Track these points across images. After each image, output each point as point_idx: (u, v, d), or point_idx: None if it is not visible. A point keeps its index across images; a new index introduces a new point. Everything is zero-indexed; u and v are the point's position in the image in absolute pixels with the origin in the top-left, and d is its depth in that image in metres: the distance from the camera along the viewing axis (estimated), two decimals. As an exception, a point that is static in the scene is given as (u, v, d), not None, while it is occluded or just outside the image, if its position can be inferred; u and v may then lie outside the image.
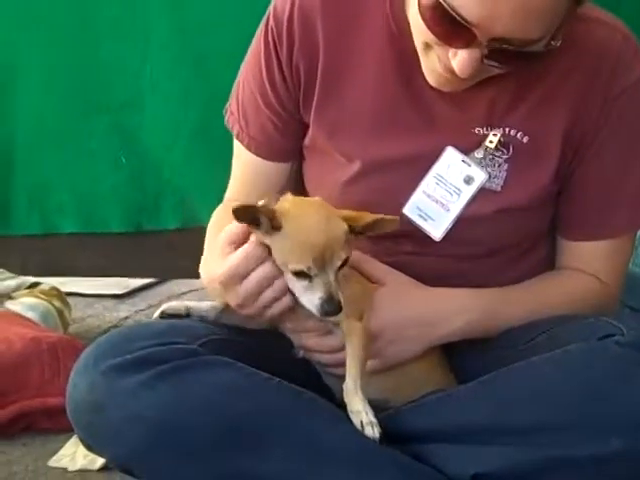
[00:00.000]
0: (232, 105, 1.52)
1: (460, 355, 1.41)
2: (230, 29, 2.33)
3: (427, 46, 1.27)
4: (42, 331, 2.08)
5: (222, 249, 1.27)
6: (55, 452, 1.75)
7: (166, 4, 2.39)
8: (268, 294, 1.24)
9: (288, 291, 1.25)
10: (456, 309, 1.37)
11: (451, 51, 1.22)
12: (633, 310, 1.88)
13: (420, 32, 1.26)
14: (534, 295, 1.42)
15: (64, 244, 2.55)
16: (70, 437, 1.75)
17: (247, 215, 1.21)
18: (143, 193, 2.50)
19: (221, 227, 1.36)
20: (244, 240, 1.25)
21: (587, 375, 1.19)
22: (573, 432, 1.18)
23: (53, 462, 1.73)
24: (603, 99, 1.36)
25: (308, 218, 1.23)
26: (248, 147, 1.50)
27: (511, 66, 1.25)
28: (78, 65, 2.43)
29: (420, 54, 1.31)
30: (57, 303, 2.33)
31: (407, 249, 1.43)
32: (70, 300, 2.52)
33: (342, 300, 1.21)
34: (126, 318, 2.84)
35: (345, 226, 1.24)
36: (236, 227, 1.26)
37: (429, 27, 1.23)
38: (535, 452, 1.19)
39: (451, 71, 1.24)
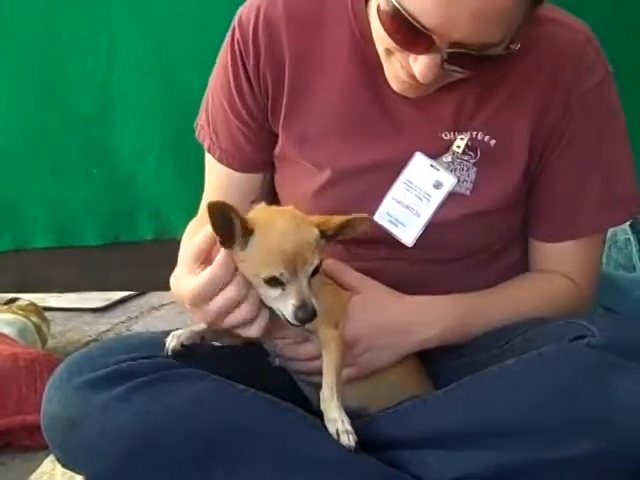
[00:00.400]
0: (202, 119, 1.52)
1: (436, 360, 1.41)
2: (196, 38, 2.33)
3: (388, 52, 1.28)
4: (19, 347, 2.06)
5: (189, 265, 1.25)
6: (34, 470, 1.73)
7: (131, 16, 2.38)
8: (236, 315, 1.22)
9: (262, 305, 1.24)
10: (430, 317, 1.37)
11: (411, 57, 1.23)
12: (607, 309, 1.89)
13: (380, 39, 1.27)
14: (508, 299, 1.42)
15: (37, 259, 2.52)
16: (49, 454, 1.73)
17: (222, 212, 1.19)
18: (117, 205, 2.49)
19: (185, 247, 1.37)
20: (209, 256, 1.24)
21: (558, 377, 1.20)
22: (546, 434, 1.18)
23: (32, 480, 1.72)
24: (566, 101, 1.37)
25: (278, 225, 1.23)
26: (220, 160, 1.50)
27: (472, 70, 1.26)
28: (45, 79, 2.43)
29: (383, 60, 1.31)
30: (35, 319, 2.32)
31: (380, 255, 1.43)
32: (49, 315, 2.51)
33: (316, 306, 1.21)
34: (107, 331, 2.83)
35: (316, 231, 1.24)
36: (203, 242, 1.24)
37: (388, 34, 1.23)
38: (510, 455, 1.19)
39: (413, 76, 1.25)
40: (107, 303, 3.05)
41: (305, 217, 1.27)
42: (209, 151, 1.51)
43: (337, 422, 1.22)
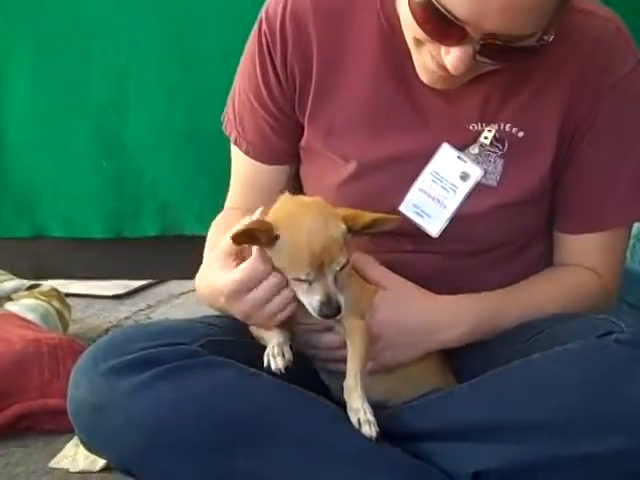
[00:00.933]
0: (229, 112, 1.52)
1: (460, 354, 1.40)
2: (219, 29, 2.31)
3: (418, 42, 1.27)
4: (42, 332, 2.07)
5: (223, 260, 1.27)
6: (56, 453, 1.75)
7: (154, 3, 2.35)
8: (275, 304, 1.25)
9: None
10: (453, 318, 1.36)
11: (443, 48, 1.22)
12: (631, 307, 1.87)
13: (410, 28, 1.26)
14: (532, 296, 1.41)
15: (53, 248, 2.53)
16: (71, 438, 1.74)
17: (245, 239, 1.22)
18: (123, 198, 2.46)
19: (214, 240, 1.40)
20: (243, 250, 1.26)
21: (586, 372, 1.19)
22: (572, 429, 1.18)
23: (54, 463, 1.73)
24: (596, 91, 1.36)
25: (303, 226, 1.22)
26: (246, 152, 1.50)
27: (504, 62, 1.25)
28: (62, 65, 2.40)
29: (412, 51, 1.31)
30: (56, 304, 2.33)
31: (406, 247, 1.43)
32: (70, 301, 2.51)
33: (342, 302, 1.22)
34: (126, 318, 2.84)
35: (343, 227, 1.24)
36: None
37: (420, 25, 1.23)
38: (535, 449, 1.19)
39: (444, 68, 1.24)
40: (127, 290, 3.06)
41: (332, 211, 1.26)
42: (235, 143, 1.51)
43: (359, 412, 1.23)
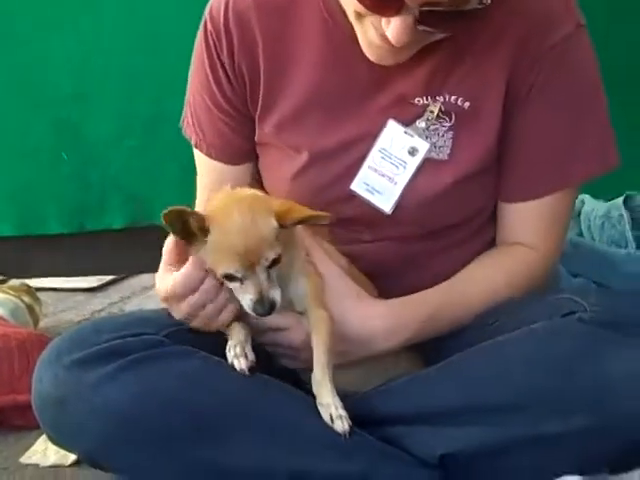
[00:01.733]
0: (187, 115, 1.51)
1: (430, 339, 1.40)
2: (185, 18, 2.17)
3: (359, 16, 1.26)
4: (10, 327, 2.06)
5: (163, 268, 1.27)
6: (27, 449, 1.74)
7: None
8: (209, 309, 1.24)
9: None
10: (391, 330, 1.34)
11: (384, 20, 1.21)
12: (598, 285, 1.89)
13: (351, 4, 1.26)
14: (476, 286, 1.40)
15: (11, 245, 2.44)
16: (41, 433, 1.73)
17: (178, 217, 1.20)
18: (86, 191, 2.40)
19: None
20: (182, 260, 1.25)
21: (550, 353, 1.20)
22: (538, 410, 1.18)
23: (25, 459, 1.72)
24: (535, 54, 1.35)
25: (230, 222, 1.21)
26: (208, 154, 1.49)
27: (447, 28, 1.24)
28: (21, 53, 2.33)
29: (356, 29, 1.30)
30: (27, 299, 2.31)
31: (365, 237, 1.42)
32: (42, 295, 2.50)
33: (277, 298, 1.20)
34: (100, 311, 2.83)
35: (273, 223, 1.21)
36: (171, 244, 1.27)
37: None
38: (501, 431, 1.19)
39: (387, 41, 1.23)
40: (100, 283, 3.05)
41: (265, 205, 1.23)
42: (196, 147, 1.50)
43: (330, 407, 1.22)
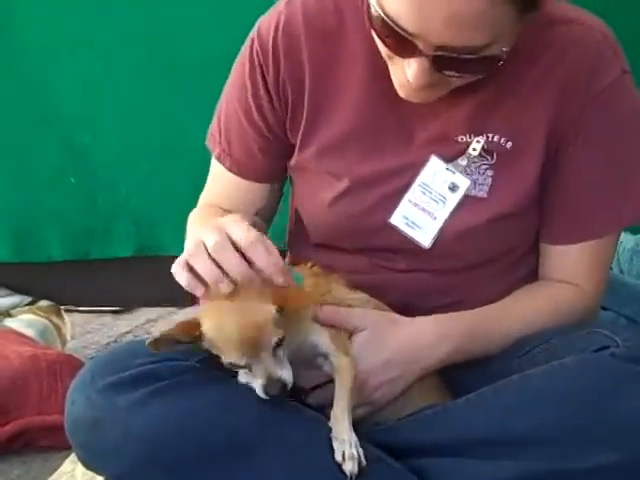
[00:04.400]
0: (214, 127, 1.52)
1: (456, 370, 1.40)
2: (202, 42, 2.24)
3: (389, 58, 1.29)
4: (40, 348, 2.08)
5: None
6: (55, 470, 1.75)
7: (133, 14, 2.26)
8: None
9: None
10: (434, 341, 1.35)
11: (405, 62, 1.24)
12: (629, 320, 1.88)
13: (379, 45, 1.28)
14: (515, 311, 1.41)
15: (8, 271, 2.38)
16: (69, 454, 1.74)
17: (167, 345, 1.20)
18: (93, 217, 2.35)
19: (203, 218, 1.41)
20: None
21: (582, 387, 1.19)
22: (569, 445, 1.17)
23: (52, 480, 1.73)
24: (582, 99, 1.36)
25: (223, 318, 1.18)
26: (230, 168, 1.50)
27: (466, 73, 1.25)
28: (28, 74, 2.29)
29: (389, 66, 1.32)
30: (55, 320, 2.34)
31: (399, 266, 1.43)
32: (69, 316, 2.52)
33: (288, 377, 1.18)
34: (126, 333, 2.83)
35: (270, 310, 1.18)
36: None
37: (380, 39, 1.25)
38: (530, 464, 1.19)
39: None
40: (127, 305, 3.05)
41: (261, 293, 1.18)
42: (219, 159, 1.52)
43: (345, 444, 1.20)
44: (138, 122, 2.32)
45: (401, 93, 1.32)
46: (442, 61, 1.21)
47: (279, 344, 1.19)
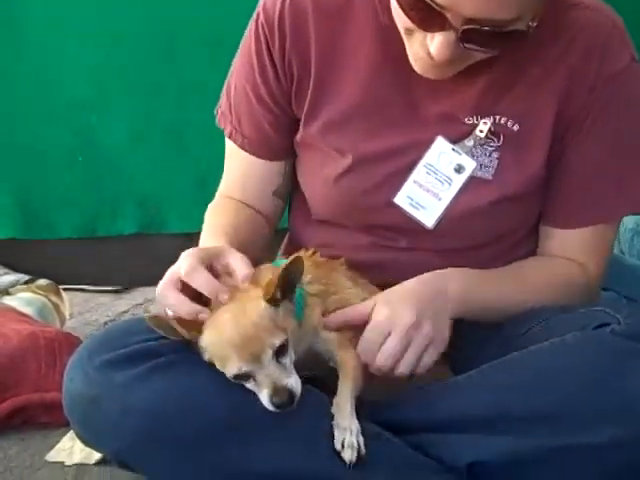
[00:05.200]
0: (223, 105, 1.51)
1: (457, 348, 1.40)
2: (205, 23, 2.23)
3: (408, 31, 1.27)
4: (39, 326, 2.07)
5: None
6: (53, 447, 1.75)
7: None
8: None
9: None
10: (446, 281, 1.33)
11: (428, 35, 1.22)
12: (630, 300, 1.87)
13: (399, 18, 1.27)
14: (516, 275, 1.41)
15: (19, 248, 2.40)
16: (67, 431, 1.74)
17: (163, 328, 1.19)
18: (99, 195, 2.36)
19: (216, 223, 1.40)
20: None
21: (583, 364, 1.20)
22: (569, 421, 1.18)
23: (50, 457, 1.72)
24: (591, 85, 1.36)
25: (219, 324, 1.16)
26: (242, 146, 1.49)
27: (491, 48, 1.25)
28: (35, 57, 2.29)
29: (405, 41, 1.31)
30: (54, 298, 2.32)
31: (401, 244, 1.43)
32: (68, 295, 2.51)
33: (296, 386, 1.15)
34: (124, 312, 2.82)
35: (262, 306, 1.16)
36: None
37: (405, 12, 1.23)
38: (531, 441, 1.19)
39: (432, 56, 1.24)
40: (126, 285, 3.05)
41: (251, 295, 1.17)
42: (230, 137, 1.50)
43: (346, 432, 1.19)
44: (144, 102, 2.33)
45: (417, 68, 1.31)
46: (469, 35, 1.20)
47: (282, 350, 1.15)
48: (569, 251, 1.44)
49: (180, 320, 1.18)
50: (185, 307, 1.18)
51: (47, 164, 2.36)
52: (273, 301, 1.17)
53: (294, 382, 1.15)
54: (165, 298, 1.20)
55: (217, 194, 1.56)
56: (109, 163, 2.35)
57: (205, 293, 1.18)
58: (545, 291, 1.39)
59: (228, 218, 1.45)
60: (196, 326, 1.18)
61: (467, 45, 1.22)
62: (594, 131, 1.37)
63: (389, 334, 1.25)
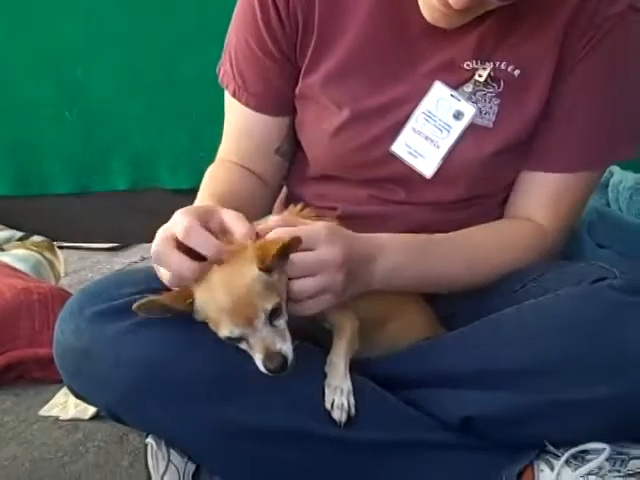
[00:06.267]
0: (225, 63, 1.48)
1: (450, 305, 1.39)
2: None
3: None
4: (33, 282, 2.07)
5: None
6: (46, 402, 1.76)
7: None
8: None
9: None
10: (377, 251, 1.26)
11: None
12: (621, 255, 1.86)
13: None
14: (465, 240, 1.36)
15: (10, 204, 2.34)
16: (62, 387, 1.75)
17: (156, 310, 1.15)
18: (90, 151, 2.29)
19: (215, 186, 1.37)
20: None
21: (579, 318, 1.18)
22: (564, 376, 1.17)
23: (44, 411, 1.73)
24: (584, 27, 1.33)
25: (210, 285, 1.12)
26: (247, 103, 1.46)
27: None
28: (23, 7, 2.22)
29: None
30: (48, 255, 2.32)
31: (399, 197, 1.41)
32: (64, 253, 2.50)
33: (289, 352, 1.11)
34: (120, 270, 2.83)
35: (255, 272, 1.11)
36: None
37: None
38: (526, 397, 1.18)
39: (447, 4, 1.21)
40: (122, 243, 3.05)
41: (242, 257, 1.12)
42: (234, 95, 1.47)
43: (337, 391, 1.18)
44: (133, 55, 2.25)
45: (428, 15, 1.29)
46: None
47: (276, 313, 1.12)
48: (536, 202, 1.40)
49: (169, 296, 1.14)
50: (186, 265, 1.12)
51: (34, 119, 2.30)
52: (266, 270, 1.13)
53: (286, 347, 1.12)
54: (163, 258, 1.14)
55: (217, 156, 1.53)
56: (97, 118, 2.29)
57: (205, 253, 1.12)
58: (494, 255, 1.35)
59: (226, 185, 1.42)
60: (188, 295, 1.14)
61: None
62: (589, 73, 1.35)
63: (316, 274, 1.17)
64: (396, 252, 1.28)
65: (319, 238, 1.17)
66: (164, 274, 1.17)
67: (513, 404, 1.19)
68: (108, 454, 1.57)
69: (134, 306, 1.13)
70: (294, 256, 1.15)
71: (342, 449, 1.22)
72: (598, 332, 1.17)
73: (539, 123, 1.37)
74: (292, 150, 1.51)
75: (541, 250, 1.41)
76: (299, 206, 1.32)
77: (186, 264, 1.12)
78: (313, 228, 1.19)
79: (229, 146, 1.51)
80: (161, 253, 1.14)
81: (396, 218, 1.40)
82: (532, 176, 1.41)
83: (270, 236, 1.15)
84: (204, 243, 1.12)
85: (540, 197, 1.40)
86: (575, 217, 1.47)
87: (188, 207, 1.20)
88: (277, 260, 1.12)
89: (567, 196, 1.41)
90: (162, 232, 1.15)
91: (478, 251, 1.36)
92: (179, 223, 1.13)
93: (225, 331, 1.12)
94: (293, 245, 1.13)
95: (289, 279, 1.16)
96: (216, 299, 1.12)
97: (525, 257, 1.37)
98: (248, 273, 1.12)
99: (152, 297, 1.14)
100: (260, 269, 1.12)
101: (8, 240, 2.34)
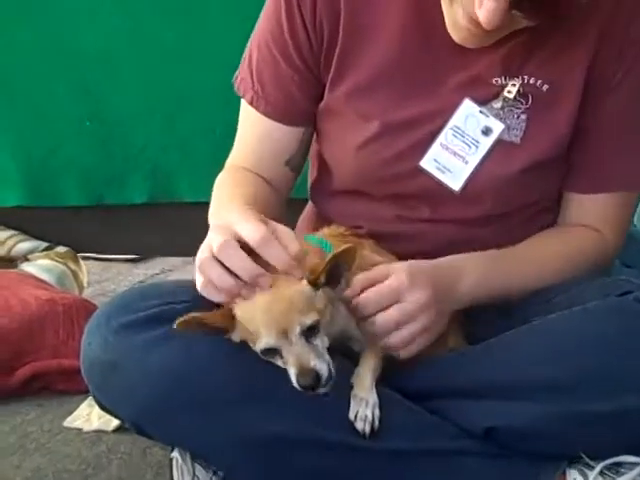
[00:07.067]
0: (244, 71, 1.48)
1: (477, 318, 1.38)
2: None
3: None
4: (57, 292, 2.08)
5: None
6: (70, 413, 1.76)
7: None
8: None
9: None
10: (462, 269, 1.31)
11: (477, 1, 1.19)
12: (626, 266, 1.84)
13: None
14: (532, 251, 1.38)
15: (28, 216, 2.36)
16: (85, 398, 1.76)
17: (194, 327, 1.15)
18: (108, 162, 2.30)
19: (226, 193, 1.37)
20: None
21: (605, 331, 1.18)
22: (590, 388, 1.16)
23: (68, 423, 1.74)
24: (620, 44, 1.33)
25: (254, 303, 1.13)
26: (265, 112, 1.46)
27: (539, 16, 1.21)
28: (45, 17, 2.21)
29: (444, 7, 1.28)
30: (72, 265, 2.34)
31: (424, 216, 1.41)
32: (86, 264, 2.52)
33: (325, 370, 1.10)
34: (141, 282, 2.84)
35: (302, 288, 1.12)
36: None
37: None
38: (551, 408, 1.18)
39: (476, 23, 1.21)
40: (143, 255, 3.06)
41: (294, 275, 1.13)
42: (252, 104, 1.47)
43: (361, 404, 1.19)
44: (155, 68, 2.26)
45: (455, 35, 1.29)
46: (522, 2, 1.16)
47: (313, 331, 1.12)
48: (590, 217, 1.42)
49: (212, 314, 1.15)
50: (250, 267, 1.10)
51: (55, 130, 2.31)
52: (315, 284, 1.14)
53: (321, 364, 1.11)
54: (208, 268, 1.13)
55: (227, 164, 1.53)
56: (118, 130, 2.30)
57: (241, 276, 1.12)
58: (563, 264, 1.37)
59: (246, 188, 1.41)
60: (230, 315, 1.14)
61: (517, 12, 1.18)
62: (623, 88, 1.34)
63: (396, 302, 1.21)
64: (476, 267, 1.31)
65: (402, 287, 1.20)
66: (212, 279, 1.14)
67: (537, 416, 1.19)
68: (131, 466, 1.57)
69: (176, 322, 1.13)
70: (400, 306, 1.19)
71: (368, 458, 1.22)
72: (624, 345, 1.16)
73: (580, 146, 1.38)
74: (301, 165, 1.52)
75: (604, 258, 1.43)
76: (340, 228, 1.35)
77: (249, 265, 1.11)
78: (396, 278, 1.21)
79: (243, 154, 1.51)
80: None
81: (422, 236, 1.40)
82: (583, 197, 1.42)
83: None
84: (237, 263, 1.12)
85: (594, 214, 1.42)
86: (630, 222, 1.49)
87: (226, 221, 1.18)
88: (327, 274, 1.13)
89: (623, 208, 1.45)
90: (207, 244, 1.15)
91: (545, 260, 1.38)
92: (215, 238, 1.13)
93: (261, 343, 1.13)
94: (343, 258, 1.13)
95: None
96: (257, 310, 1.13)
97: (587, 265, 1.39)
98: (294, 285, 1.13)
99: (194, 314, 1.14)
100: (309, 282, 1.12)
101: (33, 251, 2.36)
